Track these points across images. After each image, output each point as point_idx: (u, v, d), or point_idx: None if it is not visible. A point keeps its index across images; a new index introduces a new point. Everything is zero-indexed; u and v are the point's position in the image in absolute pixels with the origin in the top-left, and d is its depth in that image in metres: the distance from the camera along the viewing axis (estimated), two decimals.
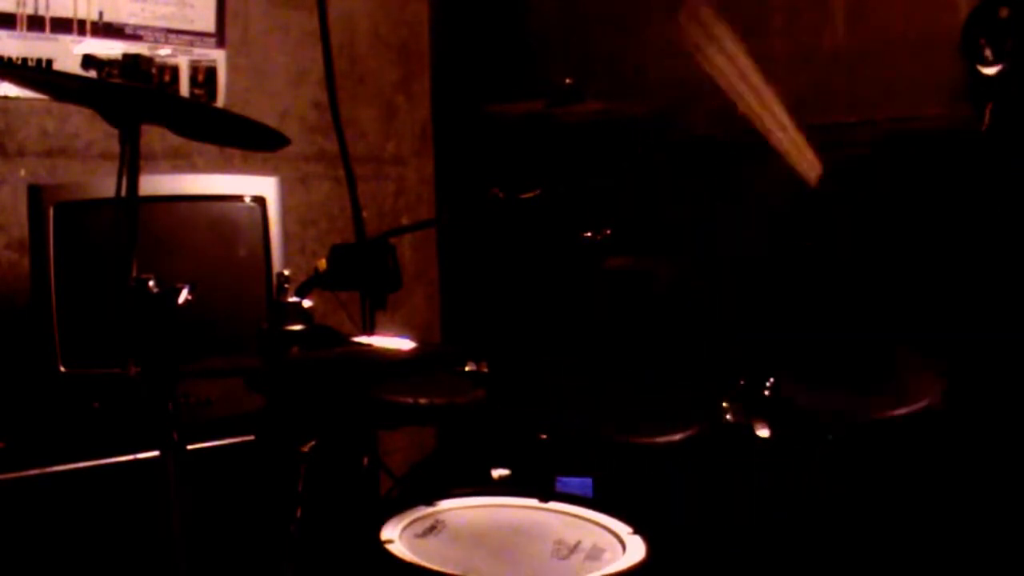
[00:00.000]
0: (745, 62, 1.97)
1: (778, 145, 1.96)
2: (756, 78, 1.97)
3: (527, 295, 2.93)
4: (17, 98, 2.49)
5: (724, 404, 2.07)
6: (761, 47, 2.70)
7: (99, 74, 2.60)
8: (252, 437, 2.12)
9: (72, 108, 2.49)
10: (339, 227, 3.07)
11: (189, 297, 1.46)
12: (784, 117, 1.95)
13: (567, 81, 2.24)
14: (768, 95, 1.95)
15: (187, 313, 1.46)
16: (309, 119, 3.05)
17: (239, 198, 2.32)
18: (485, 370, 2.10)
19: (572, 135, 2.73)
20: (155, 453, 1.60)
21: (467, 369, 2.10)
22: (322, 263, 1.95)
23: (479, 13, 3.32)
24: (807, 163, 1.94)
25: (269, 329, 1.68)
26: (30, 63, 2.50)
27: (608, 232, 2.28)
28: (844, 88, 2.56)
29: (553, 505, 1.82)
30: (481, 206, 2.17)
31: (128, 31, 2.67)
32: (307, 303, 1.70)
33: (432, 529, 1.70)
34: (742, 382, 2.09)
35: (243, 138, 2.01)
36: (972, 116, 2.26)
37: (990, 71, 2.24)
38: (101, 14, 2.62)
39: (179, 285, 1.46)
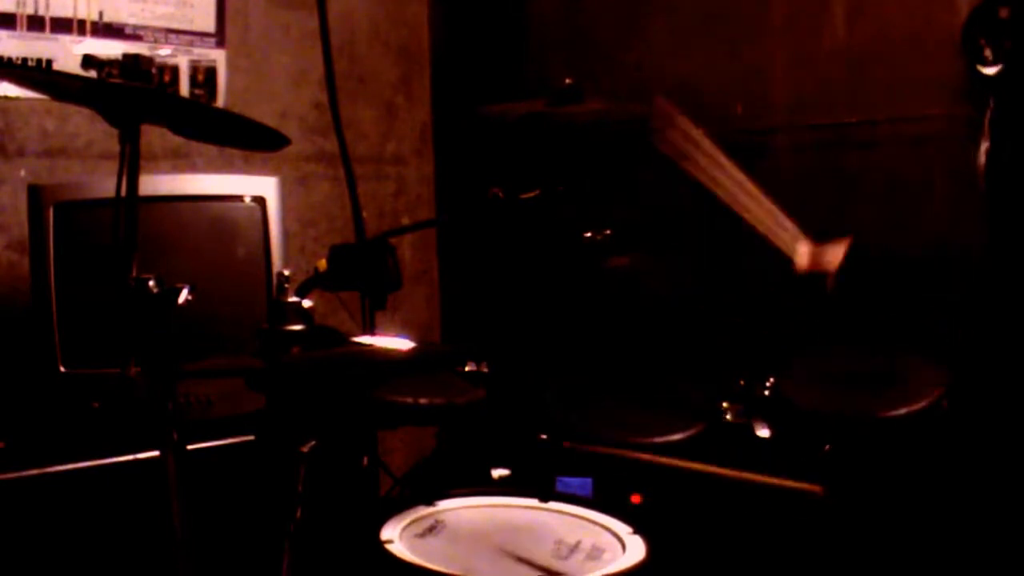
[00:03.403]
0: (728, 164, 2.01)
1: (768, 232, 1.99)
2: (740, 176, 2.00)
3: (527, 295, 2.93)
4: (17, 98, 2.49)
5: (724, 404, 2.07)
6: (761, 47, 2.70)
7: (99, 74, 2.60)
8: (252, 437, 2.12)
9: (72, 108, 2.49)
10: (339, 227, 3.06)
11: (189, 297, 1.46)
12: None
13: (567, 81, 2.24)
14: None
15: (187, 313, 1.46)
16: (309, 119, 3.05)
17: (239, 198, 2.32)
18: (485, 370, 2.10)
19: (572, 135, 2.73)
20: (155, 453, 1.60)
21: (467, 369, 2.10)
22: (322, 263, 1.95)
23: (479, 13, 3.32)
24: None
25: (269, 329, 1.68)
26: (30, 63, 2.50)
27: (608, 232, 2.28)
28: (844, 88, 2.57)
29: (553, 505, 1.82)
30: (481, 206, 2.17)
31: (128, 31, 2.67)
32: (307, 303, 1.70)
33: (432, 529, 1.70)
34: (742, 382, 2.09)
35: (243, 138, 2.01)
36: (972, 116, 2.26)
37: (990, 71, 2.25)
38: (101, 14, 2.62)
39: (179, 285, 1.46)
